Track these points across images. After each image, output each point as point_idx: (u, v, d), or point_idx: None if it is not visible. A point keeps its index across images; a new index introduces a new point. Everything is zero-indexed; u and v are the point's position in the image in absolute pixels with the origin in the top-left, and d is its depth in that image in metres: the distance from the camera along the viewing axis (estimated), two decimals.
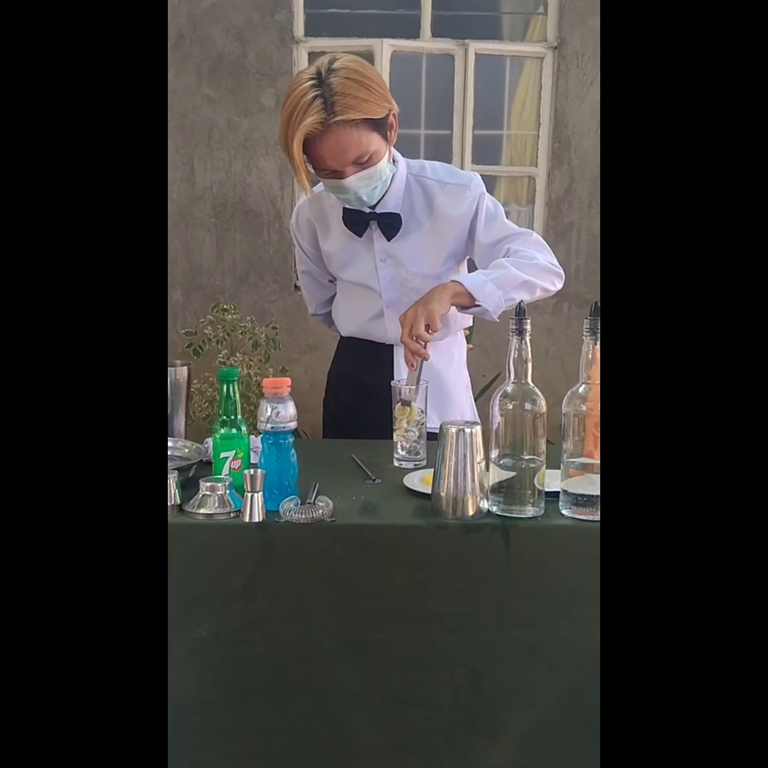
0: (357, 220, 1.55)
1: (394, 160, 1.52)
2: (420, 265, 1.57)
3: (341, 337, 1.75)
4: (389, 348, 1.66)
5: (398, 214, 1.54)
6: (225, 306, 3.15)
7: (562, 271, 1.53)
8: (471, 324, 1.73)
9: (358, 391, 1.57)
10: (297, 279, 3.58)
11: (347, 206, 1.54)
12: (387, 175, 1.47)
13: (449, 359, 1.67)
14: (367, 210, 1.53)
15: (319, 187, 1.58)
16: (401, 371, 1.63)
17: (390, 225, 1.54)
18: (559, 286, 1.54)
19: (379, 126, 1.39)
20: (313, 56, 3.45)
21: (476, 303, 1.42)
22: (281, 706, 1.14)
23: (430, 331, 1.37)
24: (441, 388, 1.63)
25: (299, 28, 3.43)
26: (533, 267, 1.48)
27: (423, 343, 1.38)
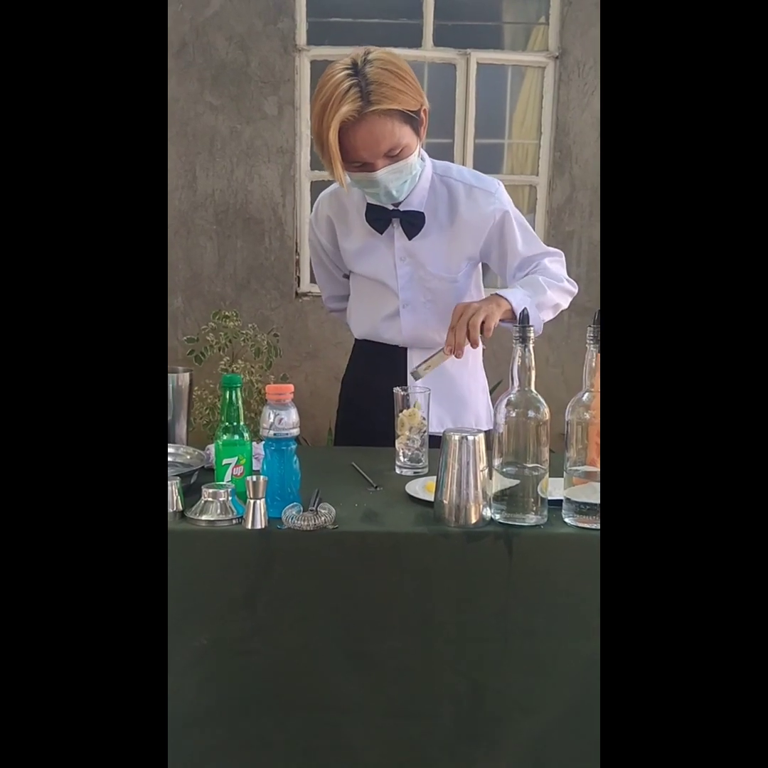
0: (379, 217, 1.55)
1: (422, 158, 1.52)
2: (438, 267, 1.57)
3: (356, 341, 1.74)
4: (403, 351, 1.65)
5: (422, 213, 1.54)
6: (226, 313, 3.15)
7: (575, 290, 1.57)
8: None
9: (373, 396, 1.57)
10: (298, 285, 3.59)
11: (372, 202, 1.54)
12: (417, 170, 1.47)
13: (463, 362, 1.65)
14: (391, 207, 1.53)
15: (337, 185, 1.57)
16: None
17: (412, 223, 1.54)
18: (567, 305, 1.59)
19: (412, 120, 1.39)
20: (315, 64, 3.46)
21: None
22: (281, 720, 1.12)
23: (484, 331, 1.38)
24: (454, 392, 1.63)
25: (301, 37, 3.44)
26: (561, 290, 1.53)
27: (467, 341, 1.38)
